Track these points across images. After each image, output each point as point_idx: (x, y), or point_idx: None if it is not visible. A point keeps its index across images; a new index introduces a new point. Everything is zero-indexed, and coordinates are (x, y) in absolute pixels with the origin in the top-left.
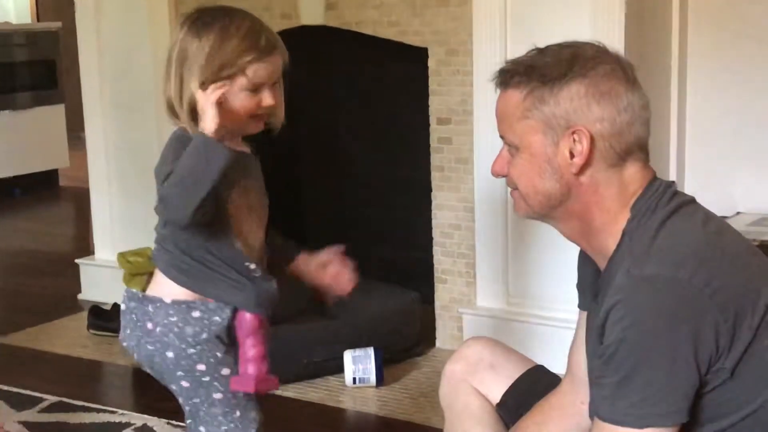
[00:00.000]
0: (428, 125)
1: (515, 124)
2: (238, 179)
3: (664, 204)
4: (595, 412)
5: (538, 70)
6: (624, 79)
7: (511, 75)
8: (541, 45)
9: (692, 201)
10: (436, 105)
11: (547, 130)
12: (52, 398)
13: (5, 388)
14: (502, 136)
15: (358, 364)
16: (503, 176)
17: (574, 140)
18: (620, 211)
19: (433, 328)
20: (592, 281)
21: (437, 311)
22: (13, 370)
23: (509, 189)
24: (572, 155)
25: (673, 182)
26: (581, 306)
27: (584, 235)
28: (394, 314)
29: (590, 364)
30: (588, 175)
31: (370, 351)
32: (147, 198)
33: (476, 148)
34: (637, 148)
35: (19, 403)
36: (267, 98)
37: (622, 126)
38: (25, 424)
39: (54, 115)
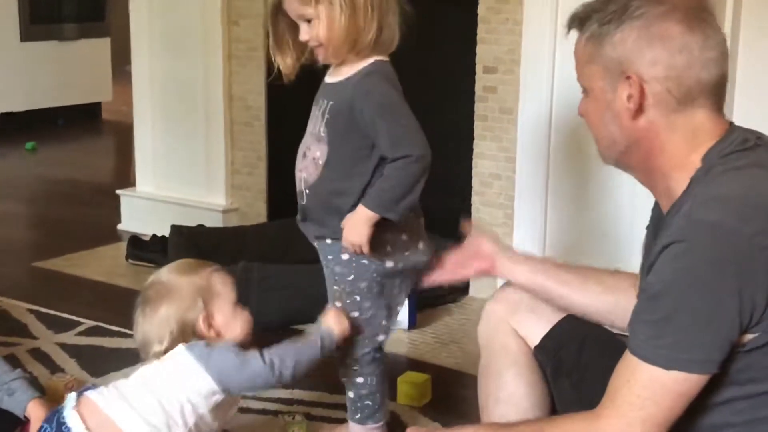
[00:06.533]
0: (474, 73)
1: (582, 69)
2: None
3: (741, 154)
4: (628, 345)
5: (597, 14)
6: (682, 19)
7: (574, 18)
8: None
9: None
10: (483, 53)
11: (607, 75)
12: (89, 322)
13: (43, 310)
14: (577, 80)
15: None
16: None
17: (630, 85)
18: (688, 158)
19: None
20: (656, 223)
21: None
22: (51, 293)
23: None
24: (629, 100)
25: (762, 134)
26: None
27: (650, 181)
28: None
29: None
30: (647, 120)
31: None
32: (189, 133)
33: (521, 98)
34: (701, 94)
35: (56, 325)
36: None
37: (679, 69)
38: (62, 345)
39: (99, 48)
